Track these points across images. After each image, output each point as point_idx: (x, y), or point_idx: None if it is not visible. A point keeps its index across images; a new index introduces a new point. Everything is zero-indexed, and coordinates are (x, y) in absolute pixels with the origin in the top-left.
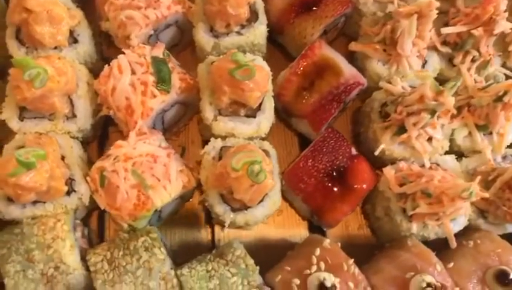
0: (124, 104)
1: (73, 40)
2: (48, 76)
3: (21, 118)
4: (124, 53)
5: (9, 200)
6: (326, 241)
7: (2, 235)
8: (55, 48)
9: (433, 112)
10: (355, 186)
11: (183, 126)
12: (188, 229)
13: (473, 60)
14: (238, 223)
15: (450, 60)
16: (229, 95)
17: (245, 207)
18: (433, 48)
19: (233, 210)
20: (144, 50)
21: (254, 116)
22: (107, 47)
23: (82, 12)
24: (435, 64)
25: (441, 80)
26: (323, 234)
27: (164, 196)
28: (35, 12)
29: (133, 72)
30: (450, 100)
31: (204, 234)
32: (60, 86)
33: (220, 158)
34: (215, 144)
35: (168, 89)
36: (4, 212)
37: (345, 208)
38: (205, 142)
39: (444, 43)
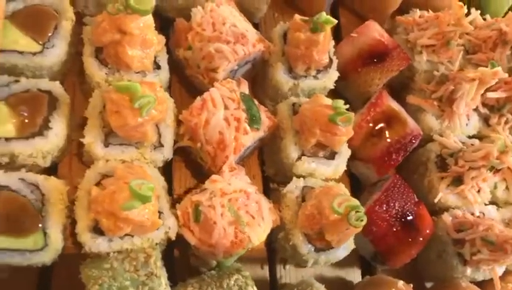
0: (217, 138)
1: (156, 65)
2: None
3: (106, 144)
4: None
5: (95, 231)
6: (400, 283)
7: (91, 270)
8: (138, 72)
9: (491, 168)
10: (422, 231)
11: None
12: (250, 264)
13: (505, 122)
14: (320, 262)
15: (485, 120)
16: (317, 137)
17: (328, 247)
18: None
19: (316, 250)
20: (232, 85)
21: (332, 159)
22: None
23: (165, 39)
24: (476, 123)
25: (477, 138)
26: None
27: (260, 234)
28: (131, 34)
29: (226, 107)
30: (511, 160)
31: (266, 271)
32: (158, 115)
33: (303, 198)
34: (297, 184)
35: (259, 127)
36: (90, 245)
37: (412, 251)
38: (266, 177)
39: (482, 104)
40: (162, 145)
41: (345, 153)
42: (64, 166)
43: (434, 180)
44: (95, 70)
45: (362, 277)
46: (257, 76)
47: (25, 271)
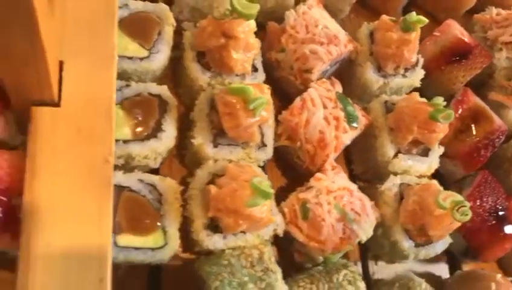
0: (317, 137)
1: (254, 68)
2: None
3: (215, 145)
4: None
5: (209, 229)
6: (499, 276)
7: (211, 266)
8: (238, 75)
9: None
10: None
11: None
12: None
13: None
14: (419, 257)
15: None
16: (415, 134)
17: (426, 242)
18: None
19: (416, 245)
20: (328, 85)
21: (425, 155)
22: None
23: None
24: None
25: None
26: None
27: (367, 230)
28: (237, 38)
29: (324, 107)
30: None
31: (359, 267)
32: (267, 116)
33: (400, 195)
34: (394, 181)
35: (357, 125)
36: (207, 243)
37: (506, 245)
38: (352, 176)
39: None
40: (265, 145)
41: (438, 149)
42: (165, 167)
43: None
44: (198, 74)
45: (450, 272)
46: (342, 75)
47: (137, 269)
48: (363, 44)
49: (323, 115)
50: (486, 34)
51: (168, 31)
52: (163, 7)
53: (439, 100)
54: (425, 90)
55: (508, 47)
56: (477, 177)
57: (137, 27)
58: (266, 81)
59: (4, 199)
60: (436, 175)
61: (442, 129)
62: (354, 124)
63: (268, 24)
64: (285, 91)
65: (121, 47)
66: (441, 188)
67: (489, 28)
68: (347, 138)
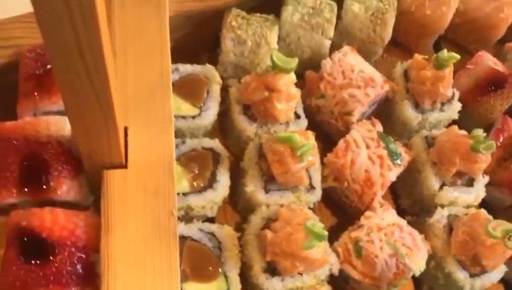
0: (363, 176)
1: (296, 115)
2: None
3: (266, 191)
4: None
5: (267, 273)
6: None
7: None
8: (282, 123)
9: None
10: None
11: None
12: None
13: None
14: (476, 288)
15: None
16: (458, 166)
17: (481, 272)
18: None
19: (471, 276)
20: (369, 125)
21: (471, 186)
22: None
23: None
24: None
25: None
26: None
27: (419, 263)
28: (279, 91)
29: (367, 147)
30: None
31: None
32: (313, 161)
33: (449, 226)
34: (442, 213)
35: (400, 162)
36: (267, 286)
37: None
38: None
39: None
40: (313, 187)
41: (482, 179)
42: (221, 215)
43: None
44: (246, 125)
45: None
46: (381, 114)
47: None
48: (398, 83)
49: (367, 154)
50: None
51: (216, 89)
52: (210, 68)
53: (479, 132)
54: (463, 121)
55: None
56: None
57: (188, 88)
58: (308, 125)
59: (83, 255)
60: (483, 204)
61: (485, 160)
62: (398, 161)
63: (306, 73)
64: (327, 133)
65: (175, 108)
66: (490, 217)
67: None
68: (392, 175)
